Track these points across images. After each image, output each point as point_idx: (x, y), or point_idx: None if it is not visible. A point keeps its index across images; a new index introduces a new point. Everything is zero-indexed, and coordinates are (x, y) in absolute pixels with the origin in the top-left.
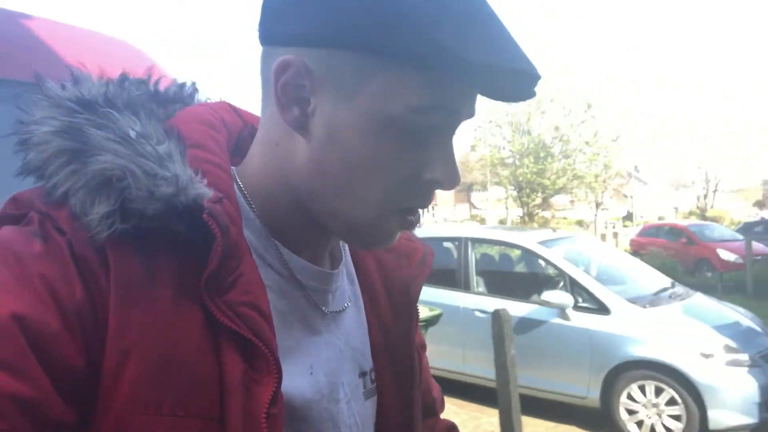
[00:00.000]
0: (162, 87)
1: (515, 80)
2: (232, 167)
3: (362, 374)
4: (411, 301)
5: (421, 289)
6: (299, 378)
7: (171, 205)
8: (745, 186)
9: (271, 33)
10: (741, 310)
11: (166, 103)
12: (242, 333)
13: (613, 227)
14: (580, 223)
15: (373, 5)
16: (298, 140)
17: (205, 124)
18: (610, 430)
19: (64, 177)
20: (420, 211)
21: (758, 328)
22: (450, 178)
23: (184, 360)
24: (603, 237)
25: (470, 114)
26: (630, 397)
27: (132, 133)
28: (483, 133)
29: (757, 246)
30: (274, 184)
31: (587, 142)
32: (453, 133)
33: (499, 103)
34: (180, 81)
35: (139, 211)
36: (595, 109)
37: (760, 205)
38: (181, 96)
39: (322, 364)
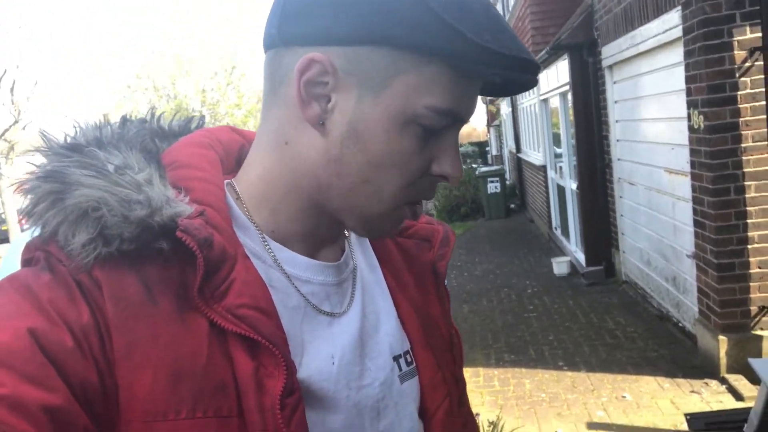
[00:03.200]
0: (166, 123)
1: (524, 71)
2: (232, 179)
3: (395, 357)
4: (439, 281)
5: (446, 268)
6: (321, 368)
7: (146, 226)
8: None
9: (291, 33)
10: None
11: (170, 137)
12: (246, 333)
13: None
14: None
15: (402, 4)
16: (313, 137)
17: (197, 145)
18: None
19: (51, 216)
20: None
21: None
22: (457, 173)
23: (195, 369)
24: None
25: (472, 112)
26: None
27: (110, 167)
28: (123, 98)
29: None
30: (277, 184)
31: (237, 105)
32: (456, 132)
33: (143, 65)
34: (190, 116)
35: (118, 235)
36: (241, 69)
37: None
38: (187, 129)
39: (343, 352)
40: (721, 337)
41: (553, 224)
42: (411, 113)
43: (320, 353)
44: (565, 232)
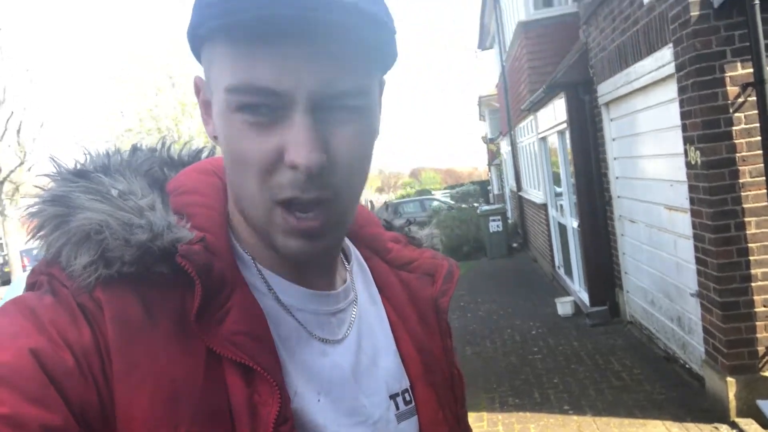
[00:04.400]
0: (176, 153)
1: (304, 9)
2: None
3: (393, 396)
4: (441, 318)
5: (448, 304)
6: (309, 404)
7: (147, 250)
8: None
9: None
10: None
11: (179, 166)
12: (241, 360)
13: None
14: None
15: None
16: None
17: (201, 172)
18: None
19: (55, 239)
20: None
21: None
22: (302, 159)
23: (192, 392)
24: None
25: (322, 84)
26: None
27: (114, 192)
28: (126, 141)
29: None
30: (235, 210)
31: None
32: (308, 109)
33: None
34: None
35: (119, 258)
36: None
37: (380, 190)
38: (197, 159)
39: (331, 388)
40: (730, 379)
41: (556, 263)
42: (224, 103)
43: (308, 389)
44: (568, 271)
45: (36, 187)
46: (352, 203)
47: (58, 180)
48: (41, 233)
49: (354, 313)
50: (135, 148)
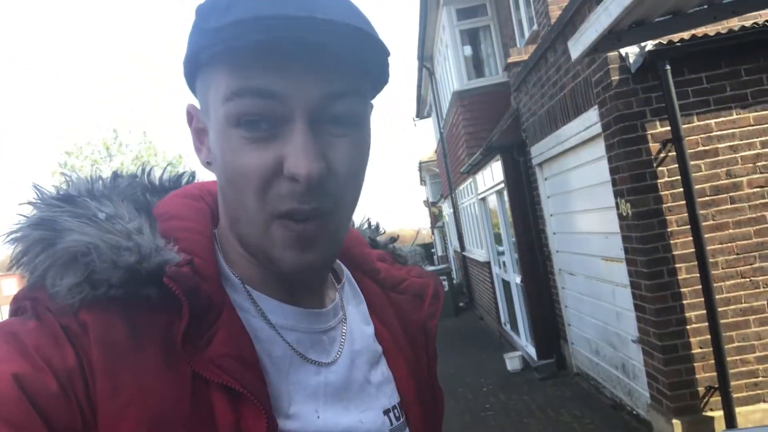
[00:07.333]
0: (156, 179)
1: (317, 35)
2: (215, 230)
3: (386, 411)
4: (429, 340)
5: (437, 325)
6: (309, 422)
7: (134, 272)
8: None
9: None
10: None
11: (160, 191)
12: (228, 384)
13: None
14: None
15: (190, 33)
16: (216, 179)
17: (187, 197)
18: None
19: (40, 261)
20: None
21: None
22: (302, 170)
23: (179, 416)
24: None
25: (319, 92)
26: None
27: (101, 215)
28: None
29: None
30: (225, 233)
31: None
32: (307, 121)
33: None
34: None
35: (106, 280)
36: None
37: None
38: (178, 184)
39: (327, 406)
40: (675, 421)
41: (502, 320)
42: (223, 118)
43: (306, 405)
44: (515, 326)
45: (19, 214)
46: (347, 217)
47: (42, 206)
48: (25, 258)
49: (344, 331)
50: (116, 175)
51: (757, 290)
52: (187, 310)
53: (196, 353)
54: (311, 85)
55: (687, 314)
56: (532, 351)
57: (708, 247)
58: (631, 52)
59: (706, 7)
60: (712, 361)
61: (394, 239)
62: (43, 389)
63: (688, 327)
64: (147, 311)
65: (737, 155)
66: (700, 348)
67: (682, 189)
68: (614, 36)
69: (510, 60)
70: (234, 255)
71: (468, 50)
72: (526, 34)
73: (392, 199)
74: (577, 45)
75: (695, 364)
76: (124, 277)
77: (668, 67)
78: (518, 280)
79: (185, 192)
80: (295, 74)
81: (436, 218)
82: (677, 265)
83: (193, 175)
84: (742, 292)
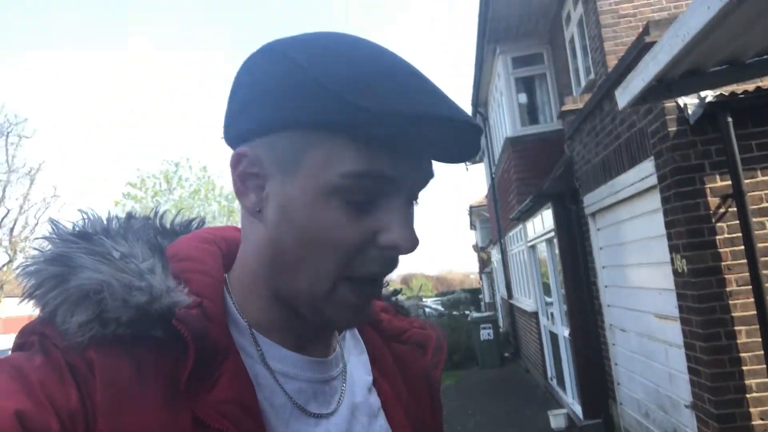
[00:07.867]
0: (168, 222)
1: (446, 131)
2: (227, 274)
3: None
4: (433, 391)
5: (440, 376)
6: None
7: (144, 312)
8: None
9: (231, 137)
10: None
11: (171, 235)
12: (228, 430)
13: None
14: None
15: (295, 82)
16: (259, 226)
17: (199, 240)
18: None
19: (52, 297)
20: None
21: None
22: (405, 243)
23: None
24: None
25: (423, 177)
26: None
27: (116, 254)
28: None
29: None
30: (248, 277)
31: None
32: (407, 197)
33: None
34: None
35: (116, 319)
36: None
37: None
38: (188, 229)
39: None
40: None
41: (549, 374)
42: (328, 186)
43: None
44: (561, 382)
45: (34, 249)
46: None
47: (57, 241)
48: (38, 292)
49: (344, 381)
50: (130, 216)
51: None
52: (193, 353)
53: (199, 397)
54: (422, 172)
55: (747, 381)
56: (578, 409)
57: None
58: (689, 102)
59: (766, 57)
60: None
61: (397, 291)
62: (45, 428)
63: (747, 396)
64: (153, 352)
65: None
66: (761, 420)
67: (743, 246)
68: (663, 85)
69: (564, 108)
70: (247, 300)
71: (523, 97)
72: (583, 83)
73: (442, 242)
74: (625, 94)
75: None
76: (134, 317)
77: (730, 119)
78: (566, 333)
79: (198, 235)
80: (413, 162)
81: (484, 263)
82: (736, 328)
83: (203, 221)
84: None
